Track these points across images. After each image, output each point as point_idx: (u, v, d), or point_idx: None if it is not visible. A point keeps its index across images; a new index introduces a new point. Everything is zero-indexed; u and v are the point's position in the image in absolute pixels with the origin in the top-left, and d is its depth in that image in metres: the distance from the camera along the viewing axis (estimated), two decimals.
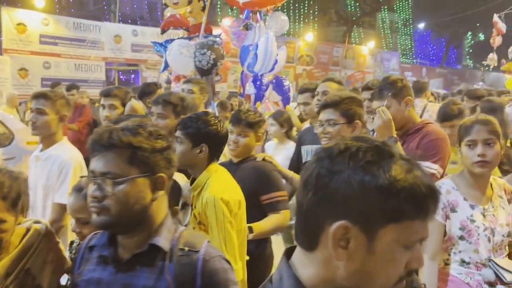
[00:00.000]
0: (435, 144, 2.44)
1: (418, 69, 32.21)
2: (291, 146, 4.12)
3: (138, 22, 19.93)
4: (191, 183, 2.35)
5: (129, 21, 19.52)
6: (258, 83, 5.36)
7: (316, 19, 28.67)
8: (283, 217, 2.66)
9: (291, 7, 26.51)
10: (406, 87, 2.53)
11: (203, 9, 5.49)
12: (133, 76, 17.99)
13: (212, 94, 4.83)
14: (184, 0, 5.49)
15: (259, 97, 5.41)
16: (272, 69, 5.36)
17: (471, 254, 2.08)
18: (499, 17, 17.40)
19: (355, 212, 0.80)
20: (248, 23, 5.37)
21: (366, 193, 0.80)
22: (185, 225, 2.38)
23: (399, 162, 0.83)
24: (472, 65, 44.74)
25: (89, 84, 14.09)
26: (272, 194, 2.64)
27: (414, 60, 38.85)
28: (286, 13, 24.28)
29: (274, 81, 5.29)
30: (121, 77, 17.97)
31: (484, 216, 2.10)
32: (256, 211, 2.53)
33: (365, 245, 0.81)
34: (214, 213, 2.17)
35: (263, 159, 2.75)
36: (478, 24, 39.10)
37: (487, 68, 24.77)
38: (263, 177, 2.66)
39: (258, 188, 2.60)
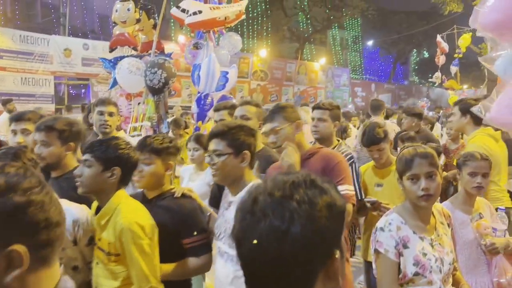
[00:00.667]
0: (341, 168, 2.55)
1: (368, 85, 33.27)
2: (209, 170, 3.91)
3: (89, 36, 19.47)
4: (96, 212, 2.23)
5: (80, 34, 19.04)
6: (202, 102, 5.29)
7: (269, 35, 29.09)
8: (202, 263, 2.41)
9: (245, 24, 26.81)
10: (296, 112, 2.64)
11: (154, 26, 5.47)
12: (83, 90, 17.50)
13: (165, 113, 4.80)
14: (132, 18, 5.41)
15: (202, 117, 5.31)
16: (223, 87, 5.37)
17: (425, 286, 2.05)
18: (442, 37, 18.42)
19: (335, 238, 0.89)
20: (198, 43, 5.40)
21: (335, 217, 0.87)
22: (89, 262, 2.28)
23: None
24: (418, 81, 46.75)
25: (36, 99, 13.66)
26: (195, 238, 2.40)
27: (364, 76, 40.12)
28: (240, 29, 24.43)
29: (219, 99, 5.26)
30: (71, 91, 17.46)
31: (432, 247, 2.10)
32: (176, 255, 2.32)
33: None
34: (131, 238, 2.08)
35: (183, 194, 2.50)
36: (422, 43, 41.07)
37: (432, 84, 25.97)
38: (185, 218, 2.40)
39: (180, 230, 2.35)
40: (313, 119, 3.39)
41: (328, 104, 3.44)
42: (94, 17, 22.15)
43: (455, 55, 18.17)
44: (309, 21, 31.40)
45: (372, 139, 3.32)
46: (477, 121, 3.50)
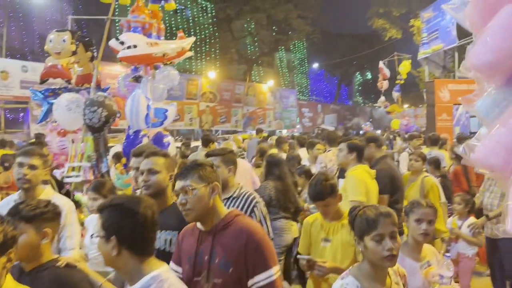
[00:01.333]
0: (264, 247, 2.07)
1: (314, 106, 34.07)
2: None
3: (29, 57, 18.68)
4: None
5: (18, 56, 18.23)
6: (132, 137, 4.96)
7: (218, 57, 29.19)
8: None
9: (193, 45, 26.74)
10: (215, 172, 2.22)
11: (92, 59, 5.21)
12: (22, 114, 16.70)
13: (105, 150, 4.55)
14: (68, 50, 5.11)
15: (126, 154, 4.96)
16: (161, 124, 5.15)
17: None
18: (384, 63, 19.30)
19: None
20: (138, 76, 5.18)
21: None
22: None
23: None
24: (362, 101, 48.45)
25: None
26: None
27: (310, 97, 41.08)
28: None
29: (154, 137, 5.00)
30: (8, 115, 16.61)
31: None
32: None
33: None
34: None
35: (67, 265, 2.20)
36: (365, 65, 42.70)
37: (377, 107, 27.02)
38: None
39: None
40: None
41: (220, 150, 3.33)
42: (34, 37, 21.29)
43: (397, 81, 19.10)
44: (256, 44, 31.83)
45: (317, 193, 2.99)
46: (360, 158, 3.94)
